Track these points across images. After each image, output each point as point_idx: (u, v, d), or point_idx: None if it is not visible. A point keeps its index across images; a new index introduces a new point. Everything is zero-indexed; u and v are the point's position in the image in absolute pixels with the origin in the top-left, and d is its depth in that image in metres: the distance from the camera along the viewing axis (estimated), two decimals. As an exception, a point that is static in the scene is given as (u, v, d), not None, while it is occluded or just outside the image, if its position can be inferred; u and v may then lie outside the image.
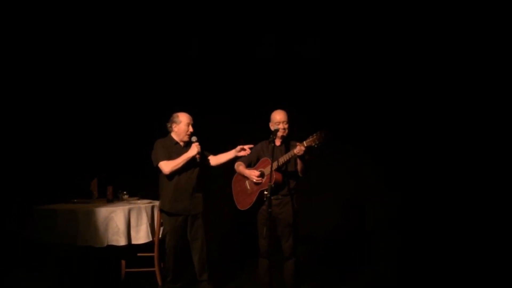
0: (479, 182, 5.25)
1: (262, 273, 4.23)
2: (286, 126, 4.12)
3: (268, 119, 4.21)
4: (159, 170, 4.45)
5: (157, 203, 4.90)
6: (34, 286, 4.66)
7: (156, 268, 4.80)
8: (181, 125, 4.46)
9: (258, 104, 4.63)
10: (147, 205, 4.87)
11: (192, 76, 6.27)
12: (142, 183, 5.48)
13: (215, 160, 4.61)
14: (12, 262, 5.04)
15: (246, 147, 4.34)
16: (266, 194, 3.86)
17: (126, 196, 5.16)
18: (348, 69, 5.93)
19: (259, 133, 4.34)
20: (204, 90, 6.21)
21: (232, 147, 4.45)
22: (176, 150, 4.48)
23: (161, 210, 4.61)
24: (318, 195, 5.80)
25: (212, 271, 4.56)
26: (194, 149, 4.38)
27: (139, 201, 5.04)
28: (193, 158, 4.40)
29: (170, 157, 4.41)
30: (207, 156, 4.62)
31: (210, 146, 4.68)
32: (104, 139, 6.10)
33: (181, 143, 4.51)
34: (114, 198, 5.12)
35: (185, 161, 4.38)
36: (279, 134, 4.10)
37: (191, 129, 4.47)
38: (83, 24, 5.88)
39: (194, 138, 4.43)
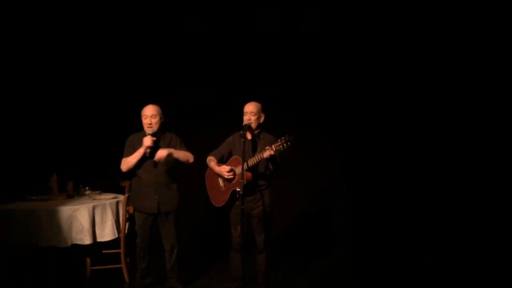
0: (441, 172, 5.43)
1: (234, 267, 4.25)
2: (253, 117, 4.07)
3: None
4: None
5: (121, 197, 4.77)
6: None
7: (122, 265, 4.70)
8: (142, 118, 4.28)
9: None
10: (111, 200, 4.71)
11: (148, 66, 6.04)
12: (103, 176, 5.30)
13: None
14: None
15: None
16: (238, 191, 3.83)
17: (88, 191, 4.98)
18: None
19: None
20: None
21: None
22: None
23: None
24: (290, 188, 5.80)
25: (183, 267, 4.50)
26: (145, 142, 4.16)
27: (102, 196, 4.87)
28: (152, 154, 4.18)
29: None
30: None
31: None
32: (61, 132, 5.80)
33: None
34: (75, 193, 4.93)
35: (137, 157, 4.18)
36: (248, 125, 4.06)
37: (147, 121, 4.22)
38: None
39: (150, 130, 4.20)
